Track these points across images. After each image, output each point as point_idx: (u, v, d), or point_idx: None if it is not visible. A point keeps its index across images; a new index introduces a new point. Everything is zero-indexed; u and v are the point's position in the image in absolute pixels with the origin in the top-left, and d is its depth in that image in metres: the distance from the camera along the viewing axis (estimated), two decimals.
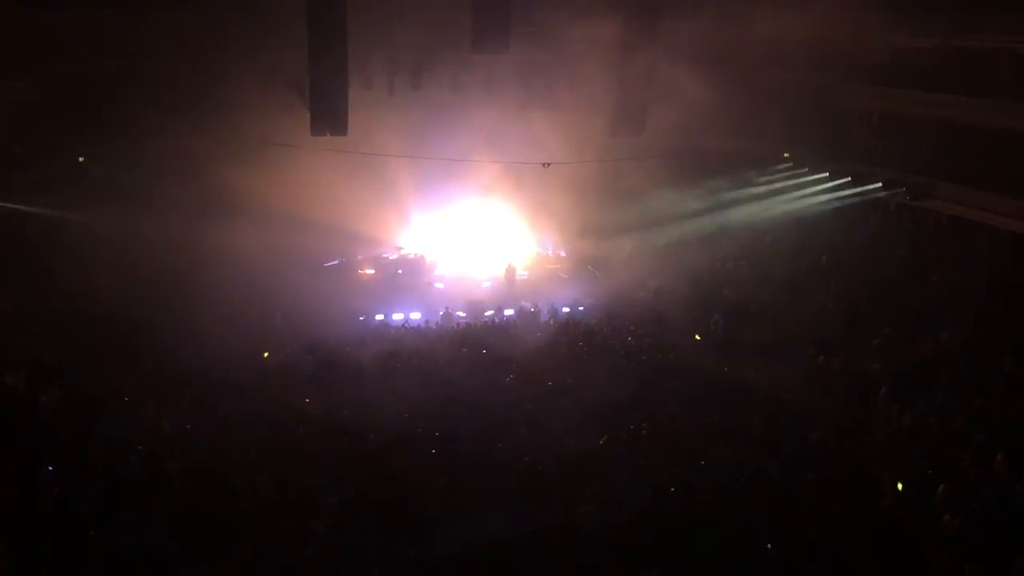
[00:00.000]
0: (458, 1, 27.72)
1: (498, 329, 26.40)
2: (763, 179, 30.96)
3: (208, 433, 18.30)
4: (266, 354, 22.93)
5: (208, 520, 14.75)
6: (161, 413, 18.37)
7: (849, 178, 29.05)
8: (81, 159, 26.85)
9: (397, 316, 27.41)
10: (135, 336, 22.11)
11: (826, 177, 29.95)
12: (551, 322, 26.95)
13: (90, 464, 16.09)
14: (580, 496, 16.50)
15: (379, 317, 27.30)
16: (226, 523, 14.72)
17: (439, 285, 30.99)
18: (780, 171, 31.10)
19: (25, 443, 16.30)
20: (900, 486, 16.58)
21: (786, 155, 31.24)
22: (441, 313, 27.34)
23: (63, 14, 26.93)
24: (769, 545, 14.69)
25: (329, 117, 26.76)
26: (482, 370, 22.19)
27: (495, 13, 26.90)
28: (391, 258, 33.10)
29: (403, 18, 28.22)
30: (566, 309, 28.13)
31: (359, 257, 32.52)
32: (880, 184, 28.07)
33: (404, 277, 31.39)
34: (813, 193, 30.07)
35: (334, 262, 31.58)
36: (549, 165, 25.49)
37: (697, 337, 25.66)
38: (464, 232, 33.65)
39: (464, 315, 27.73)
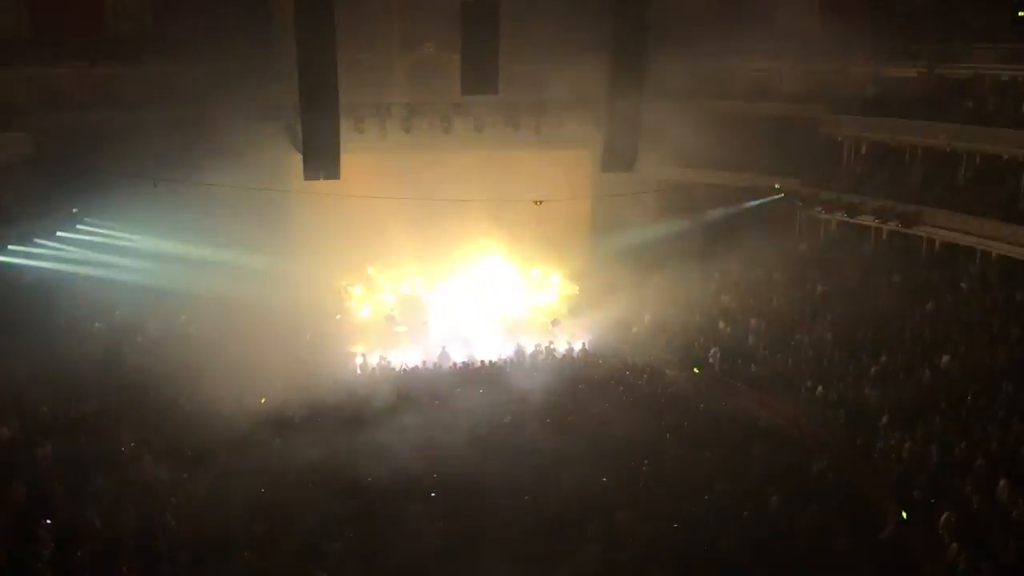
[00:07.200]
0: (447, 45, 28.08)
1: (495, 368, 26.30)
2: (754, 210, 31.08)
3: (206, 482, 18.22)
4: (263, 400, 22.77)
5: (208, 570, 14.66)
6: (159, 463, 18.26)
7: (840, 208, 29.21)
8: (75, 210, 26.89)
9: (393, 357, 27.28)
10: (131, 386, 21.96)
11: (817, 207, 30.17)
12: (548, 360, 26.86)
13: (87, 516, 15.99)
14: (582, 535, 16.40)
15: (374, 358, 27.15)
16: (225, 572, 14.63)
17: (435, 325, 30.89)
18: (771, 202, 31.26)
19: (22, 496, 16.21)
20: (904, 515, 16.53)
21: (776, 186, 31.40)
22: (438, 353, 27.24)
23: (58, 67, 27.17)
24: None
25: (322, 161, 26.87)
26: (479, 410, 22.09)
27: (484, 57, 27.17)
28: (386, 299, 33.03)
29: (393, 62, 28.54)
30: (563, 346, 28.05)
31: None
32: (871, 213, 28.23)
33: (399, 318, 31.30)
34: (805, 222, 30.22)
35: None
36: (542, 202, 25.59)
37: (696, 370, 25.58)
38: (459, 272, 33.64)
39: (461, 355, 27.60)
